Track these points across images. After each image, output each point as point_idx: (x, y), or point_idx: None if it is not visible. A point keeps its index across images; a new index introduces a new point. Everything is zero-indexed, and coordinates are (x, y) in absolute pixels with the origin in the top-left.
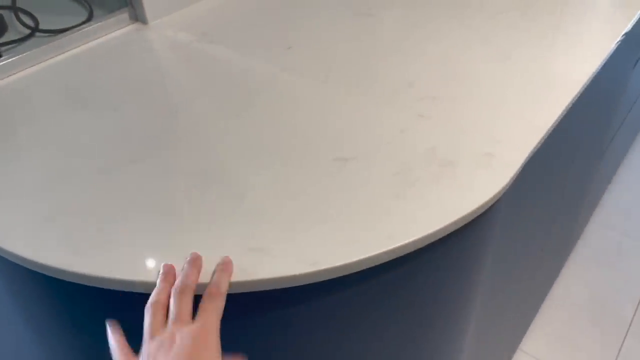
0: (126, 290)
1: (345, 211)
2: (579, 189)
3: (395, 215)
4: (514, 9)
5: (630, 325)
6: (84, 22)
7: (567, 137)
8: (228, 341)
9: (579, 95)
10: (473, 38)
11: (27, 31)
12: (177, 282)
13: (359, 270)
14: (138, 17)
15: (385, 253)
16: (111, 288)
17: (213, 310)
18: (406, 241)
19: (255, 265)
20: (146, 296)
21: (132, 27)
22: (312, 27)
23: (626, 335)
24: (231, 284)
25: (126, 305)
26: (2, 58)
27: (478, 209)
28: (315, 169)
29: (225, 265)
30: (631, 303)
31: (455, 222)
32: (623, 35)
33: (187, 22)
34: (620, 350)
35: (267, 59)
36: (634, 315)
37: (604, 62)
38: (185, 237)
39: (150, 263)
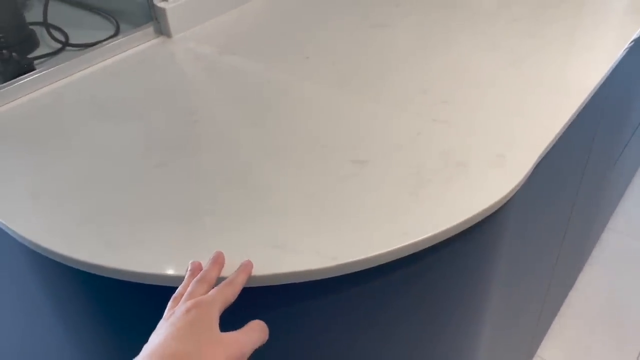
0: (156, 284)
1: (362, 210)
2: (593, 194)
3: (410, 214)
4: (528, 17)
5: None
6: (111, 37)
7: (579, 141)
8: None
9: (589, 98)
10: (486, 45)
11: (58, 45)
12: (198, 275)
13: (375, 265)
14: (162, 31)
15: (401, 249)
16: (142, 282)
17: (219, 294)
18: (421, 237)
19: (278, 260)
20: (173, 289)
21: (157, 41)
22: (328, 38)
23: None
24: (249, 280)
25: (156, 298)
26: (35, 71)
27: (489, 207)
28: (334, 171)
29: (244, 266)
30: None
31: (467, 220)
32: (632, 42)
33: (209, 34)
34: (638, 357)
35: (285, 69)
36: None
37: (613, 67)
38: (211, 234)
39: (178, 258)
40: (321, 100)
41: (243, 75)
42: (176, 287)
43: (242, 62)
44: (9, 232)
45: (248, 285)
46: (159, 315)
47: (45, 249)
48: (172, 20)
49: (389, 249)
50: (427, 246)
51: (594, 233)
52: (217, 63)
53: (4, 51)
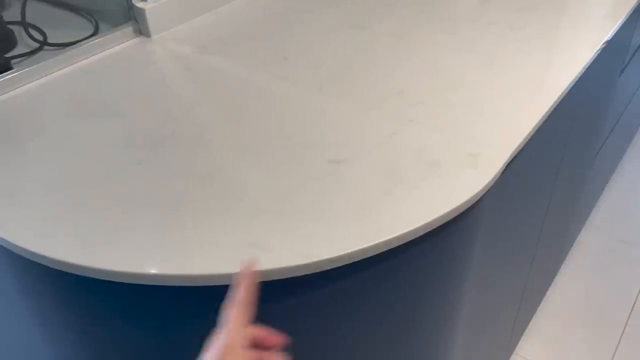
0: (132, 282)
1: (337, 209)
2: (570, 193)
3: (384, 212)
4: (504, 20)
5: (624, 329)
6: (90, 36)
7: (553, 141)
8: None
9: (561, 99)
10: (461, 47)
11: (36, 45)
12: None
13: (349, 262)
14: (142, 31)
15: (374, 246)
16: (118, 280)
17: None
18: (394, 235)
19: (253, 258)
20: (149, 287)
21: (136, 41)
22: (307, 39)
23: (620, 339)
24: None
25: (132, 297)
26: (13, 70)
27: (462, 205)
28: (310, 170)
29: (242, 274)
30: (625, 307)
31: (439, 218)
32: (604, 43)
33: (188, 35)
34: (614, 354)
35: (263, 69)
36: (628, 319)
37: (585, 68)
38: (186, 233)
39: (155, 257)
40: (298, 100)
41: (221, 75)
42: (152, 285)
43: (220, 62)
44: None
45: (222, 284)
46: (134, 314)
47: (21, 248)
48: (151, 21)
49: (362, 247)
50: (400, 243)
51: (571, 231)
52: (195, 63)
53: None
